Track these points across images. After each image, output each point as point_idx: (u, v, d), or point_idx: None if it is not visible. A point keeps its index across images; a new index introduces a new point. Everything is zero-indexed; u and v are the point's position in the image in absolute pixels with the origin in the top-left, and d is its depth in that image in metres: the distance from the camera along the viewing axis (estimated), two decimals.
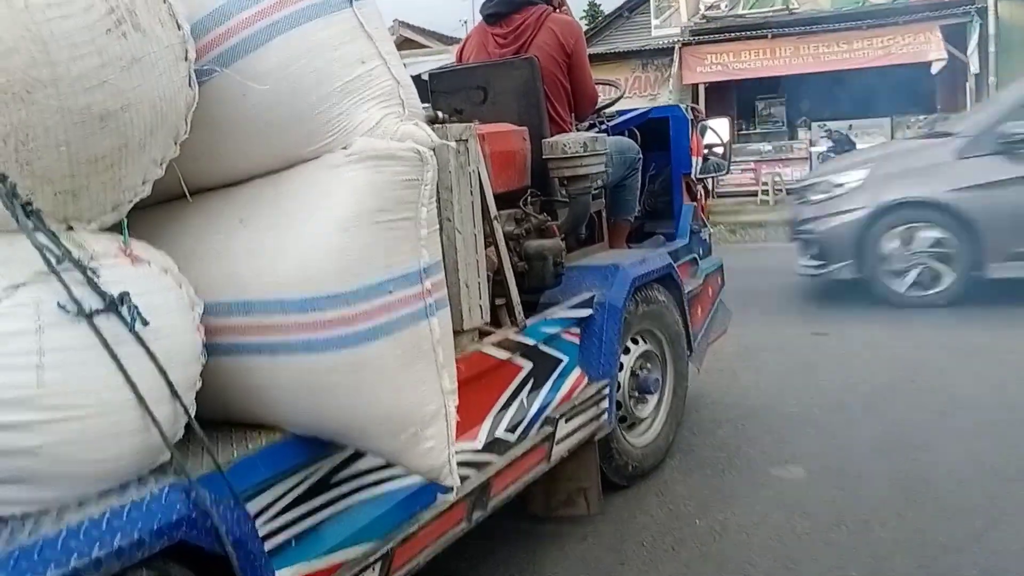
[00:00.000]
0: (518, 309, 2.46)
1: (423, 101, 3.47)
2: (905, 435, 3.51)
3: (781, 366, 4.69)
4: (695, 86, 15.03)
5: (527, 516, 2.94)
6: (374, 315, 1.58)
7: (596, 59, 15.64)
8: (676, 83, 14.75)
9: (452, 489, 1.77)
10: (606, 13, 18.63)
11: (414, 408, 1.66)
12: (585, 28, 18.36)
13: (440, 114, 2.98)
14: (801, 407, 3.95)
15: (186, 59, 1.46)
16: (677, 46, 14.85)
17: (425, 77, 3.35)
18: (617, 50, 16.09)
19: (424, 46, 16.02)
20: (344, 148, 1.60)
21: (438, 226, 1.73)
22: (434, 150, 1.70)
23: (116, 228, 1.48)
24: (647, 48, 15.65)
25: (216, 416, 1.77)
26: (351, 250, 1.56)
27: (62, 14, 1.26)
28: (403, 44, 16.44)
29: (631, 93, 15.31)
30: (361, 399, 1.62)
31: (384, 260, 1.59)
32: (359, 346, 1.58)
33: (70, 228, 1.42)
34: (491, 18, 3.28)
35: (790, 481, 3.12)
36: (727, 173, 4.34)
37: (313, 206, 1.59)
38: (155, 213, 1.76)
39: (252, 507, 1.64)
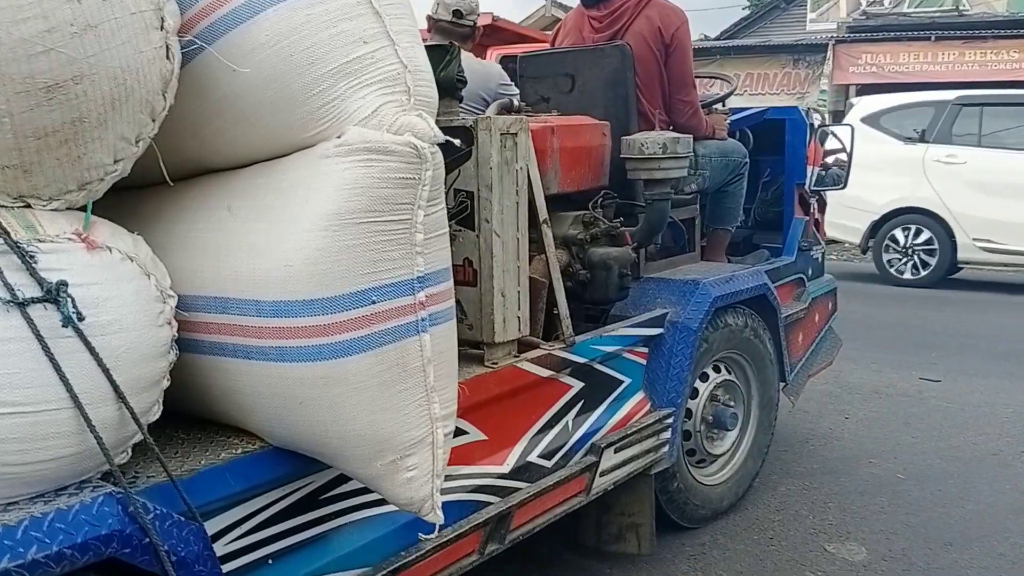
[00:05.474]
0: (566, 323, 2.21)
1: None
2: (997, 525, 2.89)
3: (873, 414, 4.06)
4: (847, 87, 14.01)
5: (575, 546, 2.71)
6: (353, 327, 1.40)
7: (744, 51, 14.93)
8: (828, 82, 13.74)
9: (434, 527, 1.56)
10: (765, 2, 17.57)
11: (395, 433, 1.47)
12: (741, 16, 17.50)
13: (516, 103, 2.77)
14: (883, 468, 3.40)
15: (161, 28, 1.31)
16: (831, 43, 13.82)
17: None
18: (769, 43, 15.20)
19: None
20: (338, 137, 1.42)
21: (446, 231, 1.52)
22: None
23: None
24: (800, 43, 14.66)
25: (200, 415, 1.65)
26: (331, 252, 1.38)
27: None
28: (553, 24, 16.19)
29: (779, 90, 14.45)
30: (335, 417, 1.45)
31: (368, 266, 1.40)
32: (334, 359, 1.41)
33: (27, 206, 1.32)
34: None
35: (843, 563, 2.65)
36: (844, 187, 3.83)
37: (298, 200, 1.42)
38: (157, 193, 1.66)
39: (217, 523, 1.51)
